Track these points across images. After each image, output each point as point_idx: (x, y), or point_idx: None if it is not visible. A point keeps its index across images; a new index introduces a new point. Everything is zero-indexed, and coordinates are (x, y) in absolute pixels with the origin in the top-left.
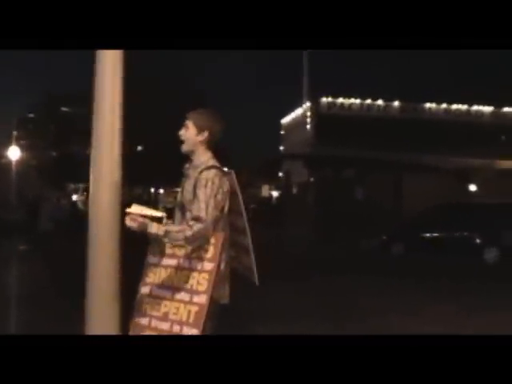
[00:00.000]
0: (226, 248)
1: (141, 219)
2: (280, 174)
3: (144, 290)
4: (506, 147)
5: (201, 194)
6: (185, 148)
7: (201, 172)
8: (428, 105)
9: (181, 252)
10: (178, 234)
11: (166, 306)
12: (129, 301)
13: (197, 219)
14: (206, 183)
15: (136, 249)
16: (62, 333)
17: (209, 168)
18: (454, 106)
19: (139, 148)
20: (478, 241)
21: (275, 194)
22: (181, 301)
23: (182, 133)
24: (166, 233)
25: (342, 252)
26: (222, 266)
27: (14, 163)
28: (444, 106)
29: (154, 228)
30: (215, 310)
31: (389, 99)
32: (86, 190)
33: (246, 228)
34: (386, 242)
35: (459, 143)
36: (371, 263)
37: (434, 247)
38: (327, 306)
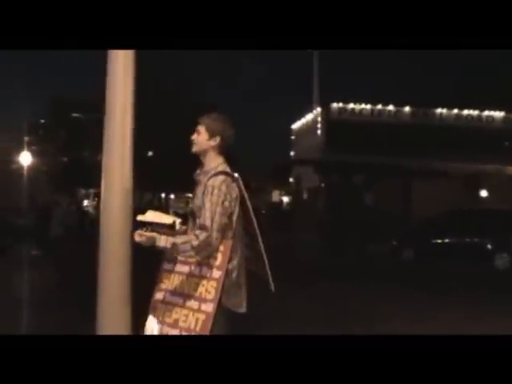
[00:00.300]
0: (239, 255)
1: (148, 234)
2: (290, 180)
3: (158, 295)
4: None
5: (207, 201)
6: (195, 149)
7: (209, 179)
8: (439, 110)
9: (192, 259)
10: (185, 246)
11: (177, 313)
12: (139, 305)
13: (202, 228)
14: (213, 190)
15: (148, 254)
16: None
17: (217, 174)
18: (465, 112)
19: (150, 153)
20: (488, 247)
21: (285, 199)
22: (190, 308)
23: (194, 137)
24: (174, 245)
25: (351, 257)
26: (234, 274)
27: (25, 168)
28: (455, 111)
29: (162, 242)
30: (226, 319)
31: (399, 104)
32: (97, 195)
33: (257, 234)
34: (396, 247)
35: (470, 149)
36: (381, 268)
37: (445, 253)
38: (335, 312)
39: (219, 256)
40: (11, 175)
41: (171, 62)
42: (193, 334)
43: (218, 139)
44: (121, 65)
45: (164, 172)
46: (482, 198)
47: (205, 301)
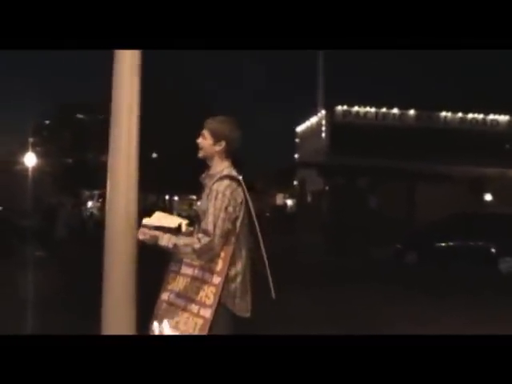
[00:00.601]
0: (244, 260)
1: (152, 232)
2: (295, 183)
3: (164, 296)
4: None
5: (211, 206)
6: (201, 154)
7: (214, 183)
8: (443, 113)
9: (197, 262)
10: (186, 248)
11: (179, 316)
12: (145, 307)
13: (205, 232)
14: (217, 195)
15: (154, 254)
16: None
17: (222, 178)
18: (470, 115)
19: (154, 155)
20: (492, 250)
21: (290, 202)
22: (191, 312)
23: (200, 142)
24: (175, 246)
25: (355, 260)
26: (239, 279)
27: (30, 170)
28: (460, 114)
29: (164, 241)
30: (228, 323)
31: (404, 107)
32: (101, 196)
33: (260, 238)
34: (399, 250)
35: (474, 152)
36: (385, 271)
37: (448, 256)
38: (339, 314)
39: (220, 262)
40: (16, 176)
41: (183, 64)
42: None
43: (223, 144)
44: (127, 65)
45: (168, 174)
46: (486, 201)
47: (204, 306)
